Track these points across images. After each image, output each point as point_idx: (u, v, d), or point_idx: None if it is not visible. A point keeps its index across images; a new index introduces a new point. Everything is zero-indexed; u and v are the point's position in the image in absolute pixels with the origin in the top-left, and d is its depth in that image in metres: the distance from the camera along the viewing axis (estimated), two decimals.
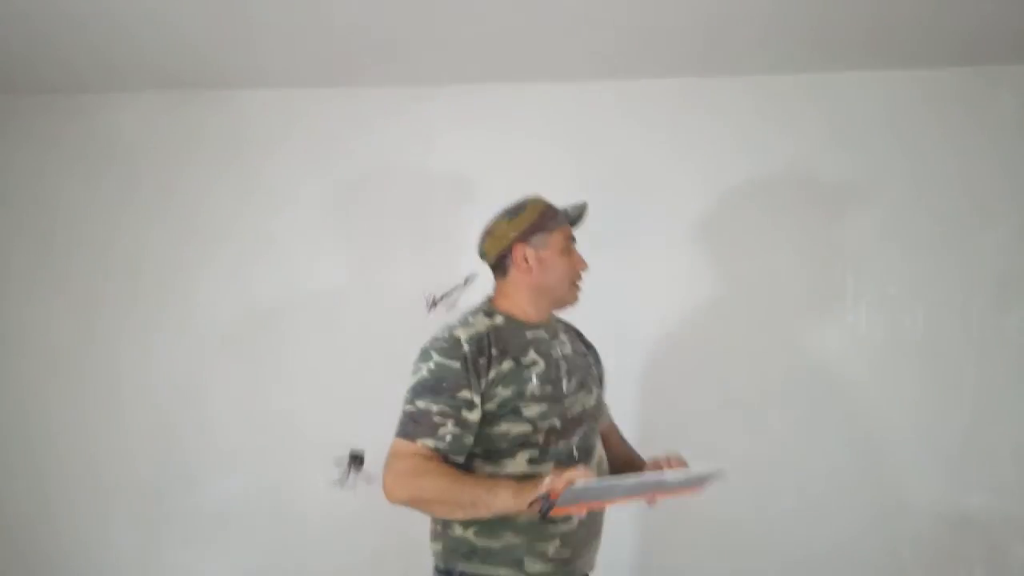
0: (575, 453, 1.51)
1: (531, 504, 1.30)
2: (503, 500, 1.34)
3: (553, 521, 1.43)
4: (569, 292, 1.59)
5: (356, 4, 1.80)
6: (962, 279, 2.16)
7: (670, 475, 1.42)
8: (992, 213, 2.16)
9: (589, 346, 1.73)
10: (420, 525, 2.27)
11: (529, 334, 1.55)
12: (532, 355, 1.52)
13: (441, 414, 1.43)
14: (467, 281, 2.28)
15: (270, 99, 2.48)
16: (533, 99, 2.36)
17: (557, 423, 1.49)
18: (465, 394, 1.44)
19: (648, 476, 1.45)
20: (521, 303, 1.58)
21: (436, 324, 2.30)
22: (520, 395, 1.47)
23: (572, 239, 1.61)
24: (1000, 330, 2.14)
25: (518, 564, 1.48)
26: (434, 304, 2.32)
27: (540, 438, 1.47)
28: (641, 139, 2.31)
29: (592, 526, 1.55)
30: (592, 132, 2.33)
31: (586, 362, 1.65)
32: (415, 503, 1.43)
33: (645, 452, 1.66)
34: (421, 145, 2.41)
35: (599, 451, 1.61)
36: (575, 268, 1.59)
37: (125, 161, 2.56)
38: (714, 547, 2.24)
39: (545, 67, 2.24)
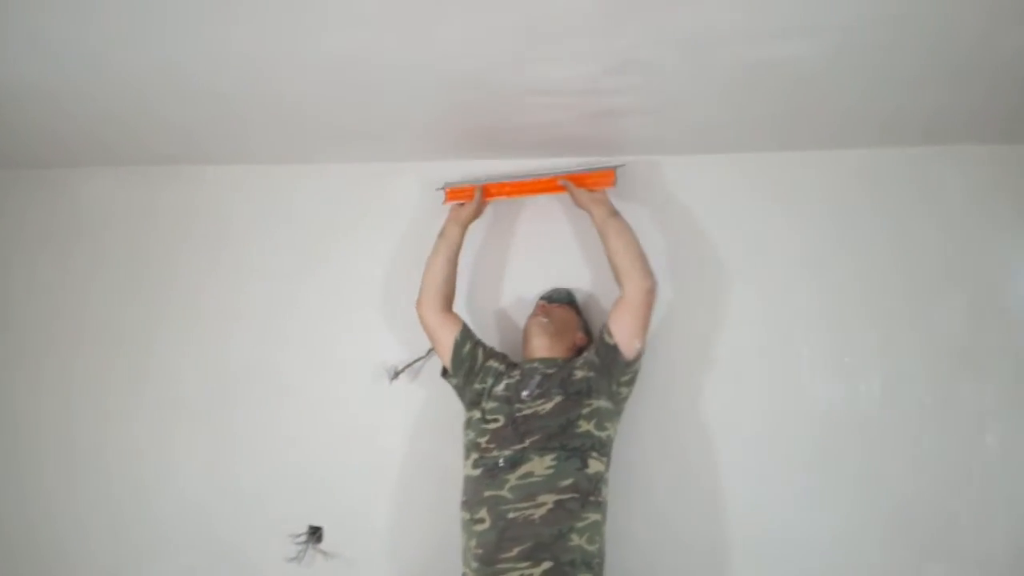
0: (501, 462, 1.89)
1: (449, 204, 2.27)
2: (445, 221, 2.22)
3: (474, 521, 1.88)
4: (528, 334, 2.16)
5: (326, 88, 1.84)
6: (916, 348, 2.21)
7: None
8: (942, 288, 2.21)
9: (576, 367, 2.05)
10: None
11: (524, 364, 2.11)
12: (514, 373, 2.07)
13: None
14: (430, 352, 2.29)
15: (238, 174, 2.52)
16: (491, 174, 2.39)
17: (502, 420, 1.95)
18: (482, 345, 2.16)
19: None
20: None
21: (399, 396, 2.33)
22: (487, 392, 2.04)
23: (541, 305, 2.22)
24: (954, 399, 2.18)
25: (468, 563, 1.90)
26: (396, 375, 2.32)
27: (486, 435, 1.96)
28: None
29: (506, 529, 1.83)
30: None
31: (558, 380, 2.00)
32: (424, 277, 2.18)
33: None
34: (389, 220, 2.44)
35: (536, 472, 1.87)
36: (527, 323, 2.20)
37: (94, 235, 2.57)
38: None
39: (485, 148, 2.30)
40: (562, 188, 2.21)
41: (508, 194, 2.28)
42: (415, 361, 2.33)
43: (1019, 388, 2.16)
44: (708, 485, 2.24)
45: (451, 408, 2.18)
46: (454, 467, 2.06)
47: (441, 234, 2.20)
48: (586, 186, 2.18)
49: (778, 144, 2.25)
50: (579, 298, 2.30)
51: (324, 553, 2.32)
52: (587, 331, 2.23)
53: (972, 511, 2.15)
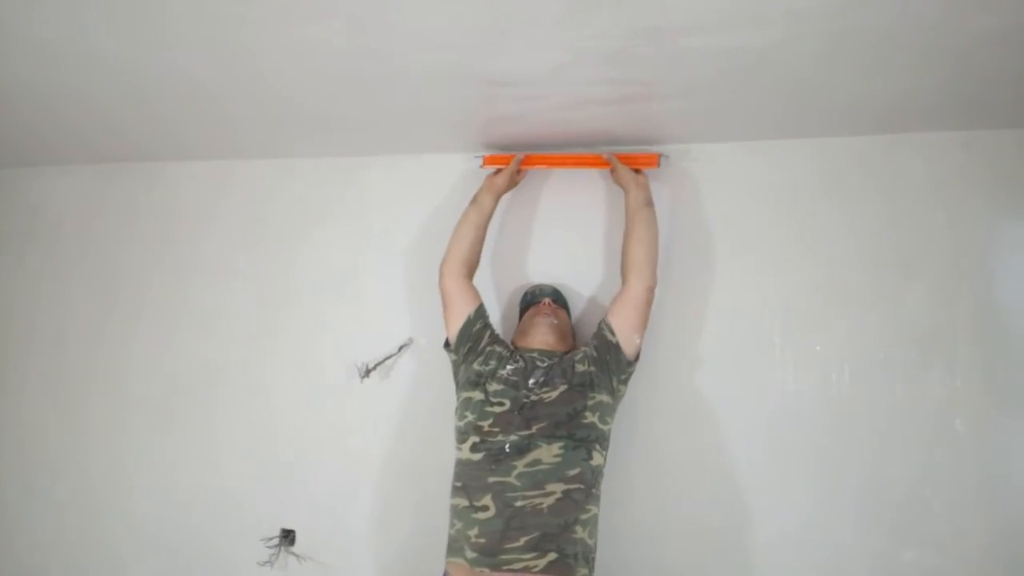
0: (507, 448, 1.84)
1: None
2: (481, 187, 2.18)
3: (474, 508, 1.82)
4: (532, 328, 2.11)
5: (287, 80, 1.80)
6: (885, 336, 2.22)
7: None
8: (910, 272, 2.22)
9: (576, 360, 2.02)
10: None
11: (524, 352, 2.07)
12: (517, 359, 2.02)
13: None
14: (401, 349, 2.26)
15: (201, 171, 2.47)
16: (462, 168, 2.38)
17: (508, 404, 1.90)
18: (491, 328, 2.12)
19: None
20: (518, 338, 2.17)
21: (370, 394, 2.30)
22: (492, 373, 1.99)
23: (540, 303, 2.18)
24: (923, 385, 2.20)
25: (461, 552, 1.81)
26: (367, 373, 2.29)
27: (489, 418, 1.90)
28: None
29: (512, 518, 1.78)
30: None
31: (560, 370, 1.98)
32: (450, 242, 2.13)
33: None
34: (355, 215, 2.40)
35: (544, 460, 1.83)
36: (534, 318, 2.14)
37: (50, 234, 2.54)
38: None
39: (456, 141, 2.29)
40: (605, 163, 2.21)
41: (547, 164, 2.27)
42: (386, 359, 2.30)
43: (987, 373, 2.17)
44: (681, 472, 2.24)
45: (423, 406, 2.16)
46: (427, 465, 2.04)
47: (473, 200, 2.18)
48: (631, 165, 2.18)
49: (763, 132, 2.25)
50: (579, 298, 2.32)
51: (297, 556, 2.28)
52: (574, 337, 2.23)
53: (944, 496, 2.16)
